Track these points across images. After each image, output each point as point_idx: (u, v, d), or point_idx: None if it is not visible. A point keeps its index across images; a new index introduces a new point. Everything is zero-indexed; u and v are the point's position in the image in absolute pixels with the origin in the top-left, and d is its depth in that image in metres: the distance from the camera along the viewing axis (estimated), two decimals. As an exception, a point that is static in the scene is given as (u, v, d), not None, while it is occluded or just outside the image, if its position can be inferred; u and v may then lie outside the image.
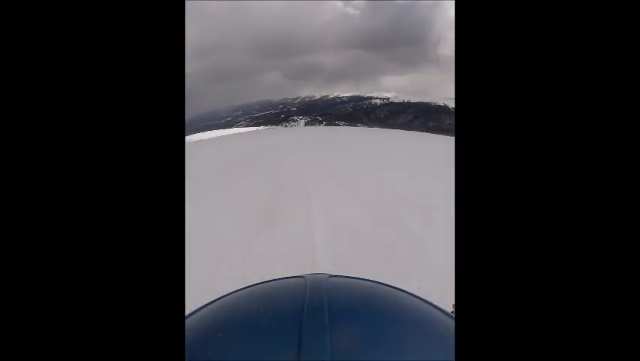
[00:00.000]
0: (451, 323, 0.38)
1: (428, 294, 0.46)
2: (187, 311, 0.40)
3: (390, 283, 0.45)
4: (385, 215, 3.86)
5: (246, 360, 0.30)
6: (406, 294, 0.43)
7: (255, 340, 0.32)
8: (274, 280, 0.46)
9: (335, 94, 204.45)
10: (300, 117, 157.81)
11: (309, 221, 3.70)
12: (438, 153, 6.98)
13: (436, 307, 0.42)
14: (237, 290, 0.45)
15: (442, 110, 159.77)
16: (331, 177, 5.52)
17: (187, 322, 0.38)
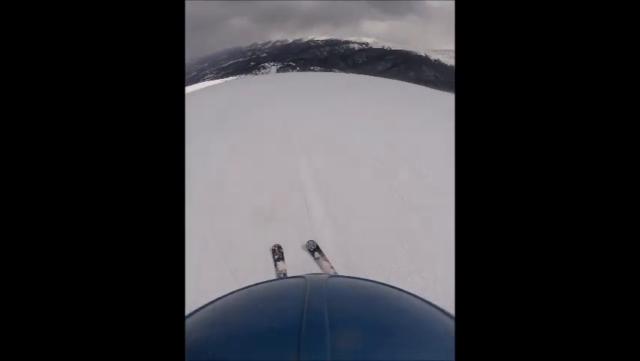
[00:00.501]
0: (451, 323, 0.38)
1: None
2: (187, 311, 0.40)
3: (390, 284, 0.45)
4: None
5: (245, 360, 0.30)
6: (406, 294, 0.43)
7: (254, 340, 0.32)
8: (274, 280, 0.46)
9: (309, 37, 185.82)
10: (272, 64, 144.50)
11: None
12: (420, 103, 6.59)
13: (436, 307, 0.42)
14: (237, 290, 0.45)
15: (422, 60, 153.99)
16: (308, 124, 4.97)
17: (187, 322, 0.38)
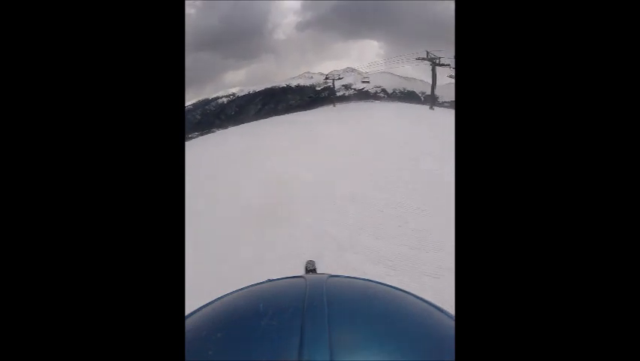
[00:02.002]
0: (451, 323, 0.38)
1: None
2: (187, 311, 0.40)
3: (390, 284, 0.44)
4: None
5: (245, 360, 0.30)
6: (405, 294, 0.43)
7: (254, 340, 0.32)
8: (274, 280, 0.45)
9: None
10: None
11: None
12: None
13: (435, 307, 0.41)
14: (237, 290, 0.44)
15: (286, 90, 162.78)
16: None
17: (187, 322, 0.38)
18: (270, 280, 0.45)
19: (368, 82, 24.21)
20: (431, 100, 20.29)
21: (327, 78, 31.79)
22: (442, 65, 19.98)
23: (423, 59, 20.21)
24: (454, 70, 20.05)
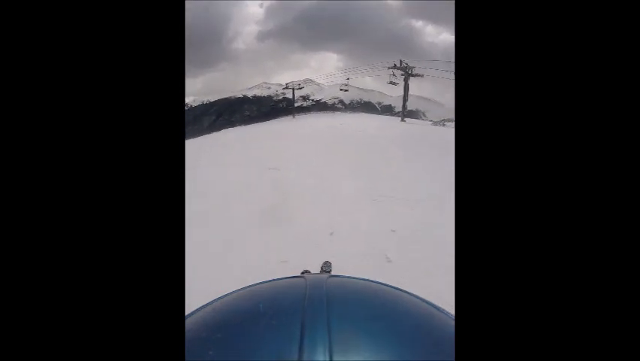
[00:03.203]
0: (451, 324, 0.37)
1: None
2: (187, 311, 0.39)
3: (390, 284, 0.44)
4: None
5: (245, 360, 0.29)
6: (405, 294, 0.42)
7: (254, 340, 0.31)
8: (274, 280, 0.45)
9: None
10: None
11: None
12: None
13: (436, 307, 0.41)
14: (237, 290, 0.43)
15: (243, 100, 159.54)
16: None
17: (187, 322, 0.37)
18: (270, 280, 0.44)
19: (347, 90, 22.14)
20: (403, 111, 18.21)
21: (286, 87, 29.04)
22: (416, 75, 18.07)
23: (396, 67, 18.19)
24: (425, 80, 18.38)
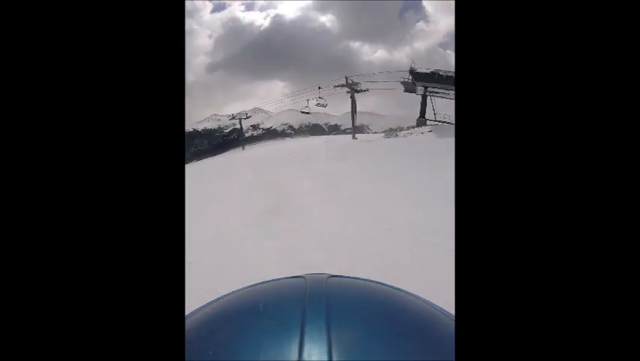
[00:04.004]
0: (451, 324, 0.36)
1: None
2: (187, 311, 0.39)
3: (390, 284, 0.44)
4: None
5: (245, 360, 0.29)
6: (406, 294, 0.42)
7: (255, 340, 0.31)
8: (274, 280, 0.44)
9: None
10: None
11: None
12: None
13: (436, 307, 0.40)
14: (237, 290, 0.43)
15: (193, 135, 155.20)
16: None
17: (187, 322, 0.36)
18: (269, 281, 0.44)
19: (309, 112, 21.64)
20: (353, 128, 17.77)
21: (233, 118, 27.89)
22: (360, 90, 17.84)
23: (342, 85, 17.93)
24: (365, 95, 18.34)
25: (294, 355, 0.28)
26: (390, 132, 16.65)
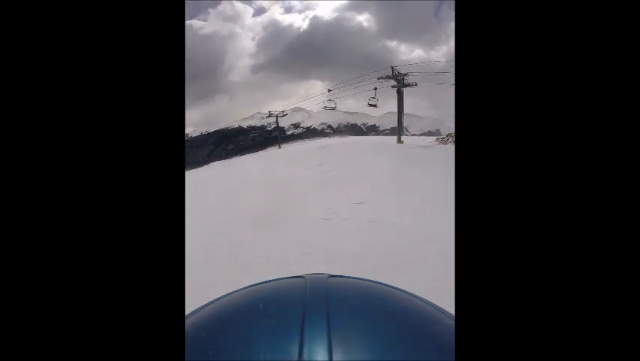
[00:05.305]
0: (451, 324, 0.36)
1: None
2: (187, 311, 0.38)
3: (390, 284, 0.43)
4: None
5: (245, 360, 0.29)
6: (406, 294, 0.41)
7: (255, 340, 0.30)
8: (274, 280, 0.43)
9: None
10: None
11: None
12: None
13: (436, 307, 0.39)
14: (237, 290, 0.42)
15: (238, 131, 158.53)
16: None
17: (187, 322, 0.36)
18: (269, 281, 0.43)
19: (333, 107, 19.75)
20: (399, 130, 14.41)
21: (270, 115, 25.81)
22: (408, 84, 14.50)
23: (387, 77, 14.73)
24: (408, 94, 15.00)
25: (294, 355, 0.27)
26: (447, 138, 13.23)
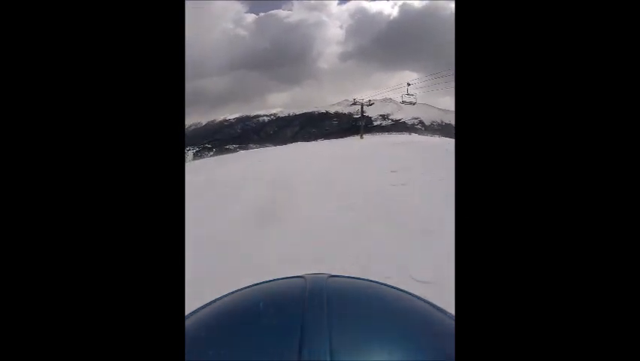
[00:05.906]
0: (451, 324, 0.35)
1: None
2: (187, 311, 0.38)
3: (390, 284, 0.42)
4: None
5: (245, 360, 0.28)
6: (405, 294, 0.41)
7: (255, 340, 0.30)
8: (274, 280, 0.43)
9: (222, 117, 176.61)
10: (188, 148, 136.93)
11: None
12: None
13: (435, 307, 0.39)
14: (237, 290, 0.42)
15: (324, 116, 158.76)
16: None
17: (187, 322, 0.36)
18: (269, 281, 0.43)
19: (413, 102, 15.54)
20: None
21: (354, 103, 22.04)
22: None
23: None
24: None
25: (294, 355, 0.27)
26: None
